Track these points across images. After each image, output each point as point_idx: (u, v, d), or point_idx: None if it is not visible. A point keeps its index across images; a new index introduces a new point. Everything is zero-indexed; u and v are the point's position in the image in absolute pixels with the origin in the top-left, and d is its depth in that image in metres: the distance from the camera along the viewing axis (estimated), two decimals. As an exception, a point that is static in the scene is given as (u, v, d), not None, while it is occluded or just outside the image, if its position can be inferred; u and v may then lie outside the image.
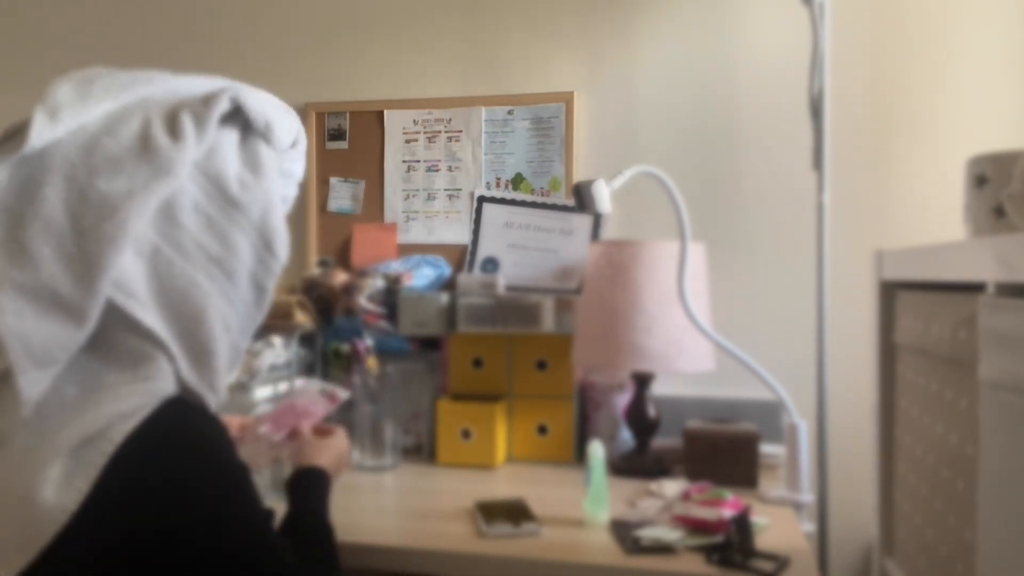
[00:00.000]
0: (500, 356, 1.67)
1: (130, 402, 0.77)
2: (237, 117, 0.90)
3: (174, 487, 0.77)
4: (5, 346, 0.72)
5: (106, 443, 0.74)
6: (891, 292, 1.29)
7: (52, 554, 0.71)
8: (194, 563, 0.78)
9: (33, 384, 0.73)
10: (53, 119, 0.78)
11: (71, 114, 0.79)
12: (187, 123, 0.84)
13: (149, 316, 0.80)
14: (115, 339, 0.79)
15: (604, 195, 1.37)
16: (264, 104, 0.92)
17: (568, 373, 1.64)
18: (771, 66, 1.74)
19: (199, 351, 0.84)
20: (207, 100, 0.86)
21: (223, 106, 0.87)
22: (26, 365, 0.73)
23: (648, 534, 1.14)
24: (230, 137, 0.89)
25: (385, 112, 1.93)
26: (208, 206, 0.86)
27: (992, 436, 0.82)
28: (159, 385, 0.80)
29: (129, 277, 0.80)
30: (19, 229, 0.75)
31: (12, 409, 0.75)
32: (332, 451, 1.13)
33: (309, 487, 1.04)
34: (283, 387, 1.62)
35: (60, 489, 0.72)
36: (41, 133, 0.77)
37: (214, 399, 0.87)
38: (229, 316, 0.88)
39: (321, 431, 1.19)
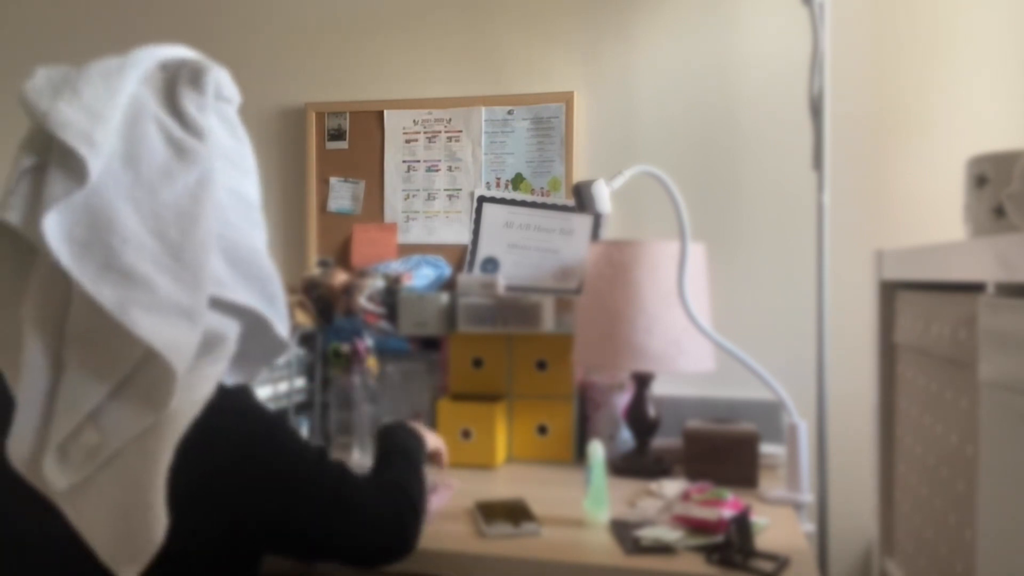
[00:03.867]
0: (500, 356, 1.67)
1: (212, 383, 0.82)
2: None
3: (244, 468, 0.84)
4: (164, 358, 0.77)
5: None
6: (891, 292, 1.29)
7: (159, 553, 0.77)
8: (282, 530, 0.87)
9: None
10: (94, 148, 0.80)
11: (103, 135, 0.81)
12: (196, 115, 0.87)
13: (241, 295, 0.87)
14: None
15: (604, 195, 1.37)
16: (217, 68, 0.95)
17: (568, 373, 1.64)
18: (771, 66, 1.74)
19: (279, 304, 0.92)
20: (195, 82, 0.89)
21: (213, 86, 0.90)
22: (182, 368, 0.78)
23: (648, 534, 1.14)
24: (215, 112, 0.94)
25: (385, 112, 1.93)
26: (231, 181, 0.91)
27: (992, 436, 0.82)
28: (221, 367, 0.85)
29: (214, 269, 0.85)
30: (114, 258, 0.78)
31: (131, 420, 0.79)
32: (418, 428, 1.28)
33: (393, 431, 1.21)
34: (283, 387, 1.62)
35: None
36: (96, 165, 0.80)
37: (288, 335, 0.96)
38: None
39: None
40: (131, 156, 0.83)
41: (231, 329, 0.86)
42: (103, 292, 0.77)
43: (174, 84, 0.89)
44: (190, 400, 0.80)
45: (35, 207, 0.79)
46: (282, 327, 0.92)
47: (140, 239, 0.80)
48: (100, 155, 0.80)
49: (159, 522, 0.76)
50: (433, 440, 1.34)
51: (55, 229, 0.78)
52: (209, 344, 0.83)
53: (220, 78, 0.92)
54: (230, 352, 0.86)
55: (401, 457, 1.14)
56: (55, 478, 0.77)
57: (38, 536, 0.81)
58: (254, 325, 0.92)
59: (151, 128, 0.85)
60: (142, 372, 0.80)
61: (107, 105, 0.83)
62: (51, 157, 0.81)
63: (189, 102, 0.87)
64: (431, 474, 1.49)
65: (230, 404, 0.85)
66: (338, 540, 0.93)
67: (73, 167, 0.79)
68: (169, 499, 0.77)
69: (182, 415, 0.79)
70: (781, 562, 1.06)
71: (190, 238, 0.82)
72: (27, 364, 0.79)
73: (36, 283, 0.82)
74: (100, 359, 0.79)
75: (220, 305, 0.85)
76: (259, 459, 0.85)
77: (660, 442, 1.63)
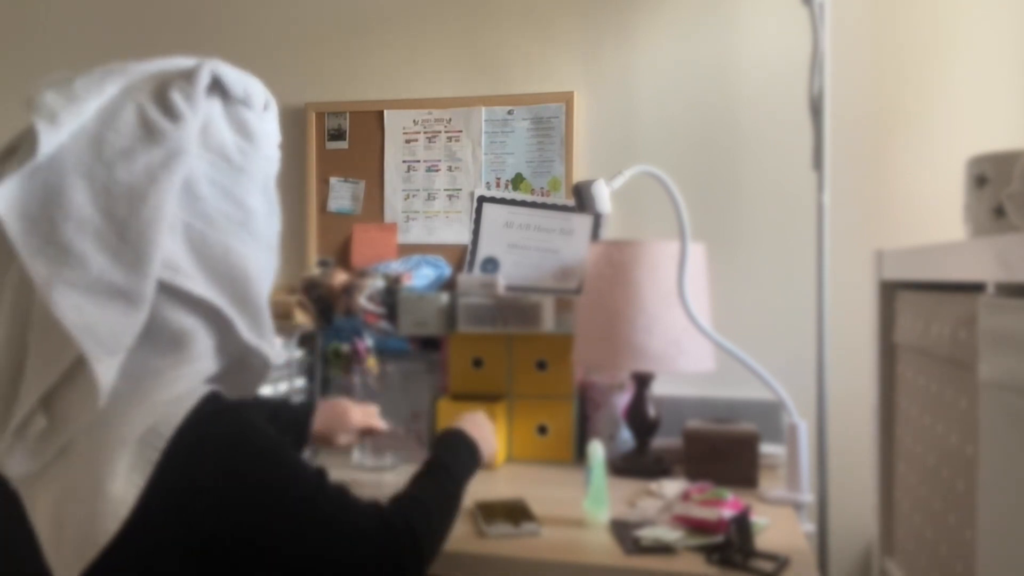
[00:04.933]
0: (500, 356, 1.67)
1: (178, 387, 0.80)
2: (216, 89, 0.92)
3: (226, 481, 0.79)
4: (75, 339, 0.74)
5: (157, 438, 0.77)
6: (891, 292, 1.29)
7: (115, 548, 0.74)
8: (262, 548, 0.82)
9: (108, 371, 0.75)
10: (54, 124, 0.79)
11: (69, 115, 0.80)
12: (180, 102, 0.85)
13: (200, 287, 0.83)
14: (160, 324, 0.81)
15: (604, 195, 1.37)
16: (238, 73, 0.95)
17: (568, 373, 1.64)
18: (771, 66, 1.74)
19: (252, 309, 0.88)
20: (189, 76, 0.88)
21: (205, 79, 0.88)
22: (98, 352, 0.74)
23: (648, 534, 1.14)
24: (216, 109, 0.92)
25: (385, 112, 1.93)
26: (219, 177, 0.89)
27: (992, 436, 0.82)
28: (200, 366, 0.83)
29: (172, 255, 0.82)
30: (53, 232, 0.77)
31: (80, 409, 0.77)
32: (482, 427, 1.26)
33: (442, 441, 1.17)
34: (283, 387, 1.62)
35: (124, 482, 0.74)
36: (49, 139, 0.79)
37: (274, 354, 0.91)
38: (264, 274, 0.93)
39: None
40: (99, 135, 0.82)
41: (198, 330, 0.83)
42: (36, 267, 0.75)
43: (171, 77, 0.88)
44: (151, 400, 0.77)
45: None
46: (251, 334, 0.87)
47: (85, 215, 0.78)
48: (59, 131, 0.79)
49: (107, 521, 0.73)
50: (490, 446, 1.28)
51: (11, 204, 0.76)
52: (174, 343, 0.81)
53: (230, 78, 0.91)
54: (200, 356, 0.83)
55: (439, 472, 1.08)
56: (12, 464, 0.76)
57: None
58: (242, 360, 0.89)
59: (129, 110, 0.84)
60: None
61: (91, 91, 0.83)
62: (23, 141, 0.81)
63: (177, 90, 0.86)
64: None
65: (223, 416, 0.82)
66: (329, 568, 0.85)
67: (35, 144, 0.79)
68: (146, 508, 0.74)
69: (141, 413, 0.77)
70: (781, 562, 1.06)
71: (136, 215, 0.79)
72: None
73: (18, 266, 0.81)
74: (52, 342, 0.77)
75: (185, 300, 0.82)
76: (245, 474, 0.80)
77: (660, 442, 1.63)
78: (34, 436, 0.77)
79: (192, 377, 0.82)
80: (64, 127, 0.80)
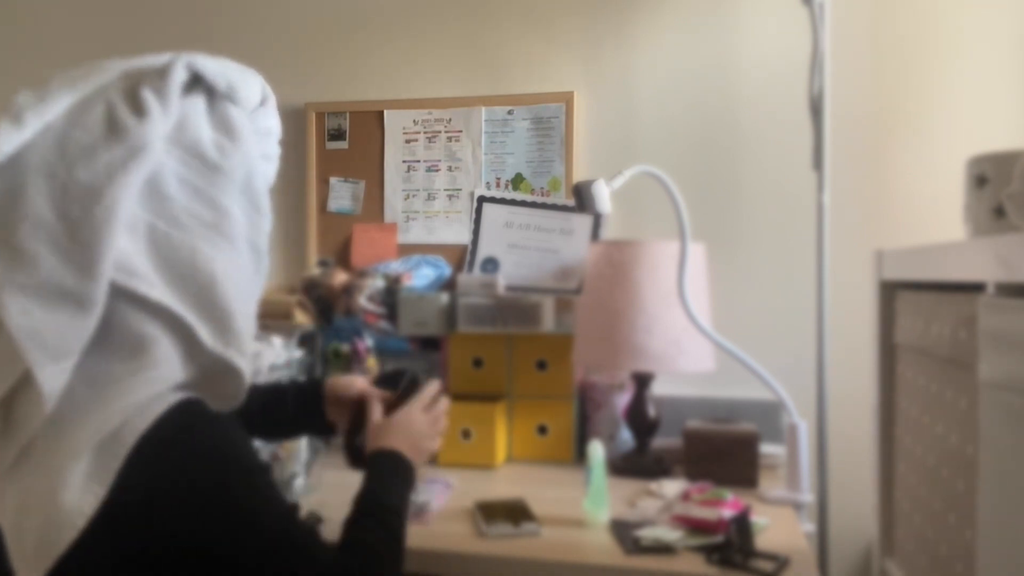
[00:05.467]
0: (500, 356, 1.67)
1: (139, 394, 0.77)
2: (200, 85, 0.89)
3: (189, 493, 0.77)
4: (18, 345, 0.72)
5: (119, 446, 0.75)
6: (891, 292, 1.29)
7: (71, 559, 0.72)
8: (218, 569, 0.78)
9: (53, 378, 0.74)
10: (18, 123, 0.77)
11: (34, 114, 0.78)
12: (149, 98, 0.82)
13: (156, 291, 0.80)
14: (119, 328, 0.79)
15: (604, 195, 1.37)
16: (223, 67, 0.91)
17: (568, 373, 1.64)
18: (771, 66, 1.74)
19: (218, 315, 0.83)
20: (162, 72, 0.85)
21: (180, 75, 0.85)
22: (42, 360, 0.73)
23: (648, 534, 1.14)
24: (197, 105, 0.88)
25: (385, 112, 1.93)
26: (191, 176, 0.85)
27: (992, 436, 0.82)
28: (164, 372, 0.79)
29: (128, 258, 0.79)
30: (10, 234, 0.75)
31: (35, 413, 0.76)
32: (403, 433, 1.09)
33: (374, 469, 1.03)
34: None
35: (80, 492, 0.72)
36: (9, 138, 0.76)
37: (245, 363, 0.86)
38: (238, 278, 0.87)
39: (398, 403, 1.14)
40: (66, 134, 0.79)
41: (159, 336, 0.80)
42: None
43: (145, 74, 0.85)
44: (110, 407, 0.75)
45: None
46: (216, 342, 0.83)
47: (40, 216, 0.75)
48: (22, 131, 0.77)
49: (62, 532, 0.71)
50: (422, 450, 1.12)
51: None
52: (133, 348, 0.78)
53: (210, 71, 0.87)
54: (162, 362, 0.79)
55: (384, 514, 0.97)
56: None
57: None
58: (216, 369, 0.85)
59: (98, 107, 0.81)
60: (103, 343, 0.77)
61: (63, 90, 0.81)
62: None
63: (148, 87, 0.83)
64: (430, 473, 1.49)
65: (196, 426, 0.80)
66: None
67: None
68: (107, 517, 0.73)
69: (98, 420, 0.74)
70: (781, 562, 1.06)
71: (89, 215, 0.76)
72: None
73: None
74: (7, 345, 0.75)
75: (143, 305, 0.79)
76: (210, 489, 0.78)
77: (660, 442, 1.63)
78: None
79: (154, 383, 0.78)
80: (28, 127, 0.77)
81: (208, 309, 0.83)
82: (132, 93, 0.83)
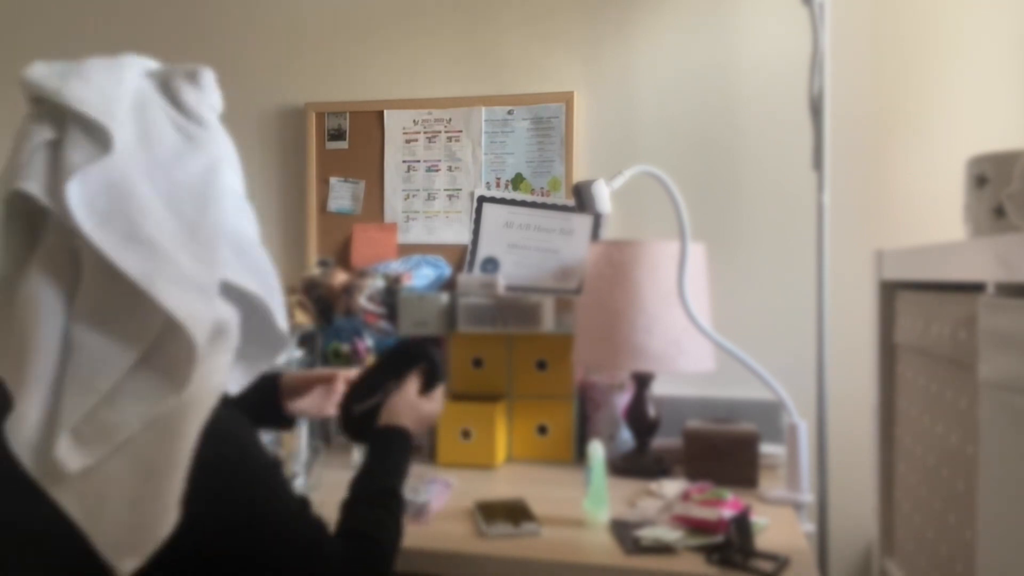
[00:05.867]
0: (500, 356, 1.67)
1: (215, 379, 0.82)
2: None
3: (210, 478, 0.79)
4: (189, 332, 0.77)
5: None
6: (891, 292, 1.29)
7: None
8: (228, 557, 0.81)
9: (206, 365, 0.80)
10: (115, 120, 0.81)
11: (119, 110, 0.82)
12: (196, 107, 0.88)
13: (246, 281, 0.86)
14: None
15: (604, 195, 1.37)
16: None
17: (568, 373, 1.64)
18: (771, 66, 1.74)
19: (277, 297, 0.91)
20: (193, 77, 0.90)
21: (208, 85, 0.91)
22: (204, 345, 0.78)
23: (648, 534, 1.14)
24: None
25: (385, 112, 1.93)
26: (231, 177, 0.92)
27: (992, 436, 0.82)
28: (228, 359, 0.84)
29: (223, 253, 0.85)
30: (135, 230, 0.78)
31: (139, 403, 0.78)
32: (414, 411, 1.14)
33: (377, 447, 1.07)
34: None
35: (178, 485, 0.77)
36: (120, 135, 0.81)
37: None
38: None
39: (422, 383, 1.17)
40: (144, 137, 0.83)
41: (233, 319, 0.85)
42: (128, 262, 0.77)
43: (171, 80, 0.89)
44: (206, 388, 0.79)
45: (53, 179, 0.79)
46: (281, 320, 0.91)
47: (159, 214, 0.80)
48: (120, 127, 0.81)
49: (168, 515, 0.74)
50: (421, 421, 1.15)
51: (77, 198, 0.77)
52: (216, 332, 0.82)
53: (213, 80, 0.93)
54: (235, 343, 0.84)
55: (387, 498, 1.01)
56: (68, 459, 0.74)
57: (25, 528, 0.79)
58: (250, 322, 0.90)
59: (159, 115, 0.86)
60: (160, 350, 0.79)
61: (116, 89, 0.84)
62: (66, 132, 0.81)
63: (188, 95, 0.88)
64: (430, 473, 1.49)
65: (219, 434, 0.82)
66: None
67: (95, 138, 0.80)
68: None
69: (199, 403, 0.78)
70: (781, 562, 1.06)
71: (204, 218, 0.82)
72: (33, 344, 0.77)
73: (42, 260, 0.81)
74: (115, 336, 0.77)
75: (225, 292, 0.84)
76: (226, 474, 0.81)
77: (660, 442, 1.63)
78: (98, 431, 0.76)
79: (227, 369, 0.83)
80: (122, 122, 0.82)
81: (272, 293, 0.90)
82: (176, 101, 0.88)
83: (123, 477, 0.75)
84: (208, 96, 0.90)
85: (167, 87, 0.88)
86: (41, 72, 0.83)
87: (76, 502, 0.75)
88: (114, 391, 0.77)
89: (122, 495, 0.75)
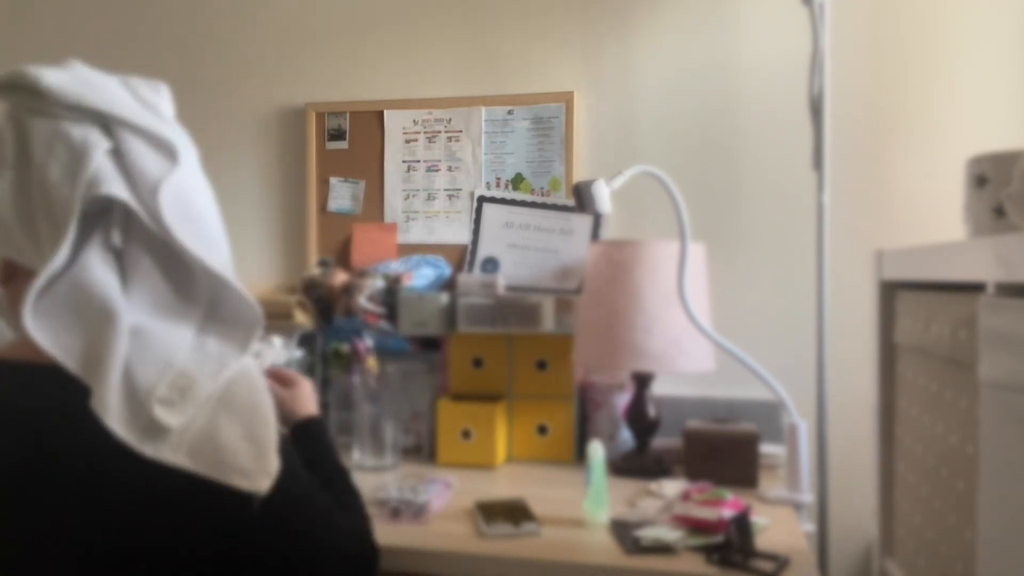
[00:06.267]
0: (500, 356, 1.67)
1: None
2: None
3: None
4: (256, 309, 0.90)
5: None
6: (891, 292, 1.29)
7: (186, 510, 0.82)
8: (247, 525, 0.85)
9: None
10: (176, 128, 0.95)
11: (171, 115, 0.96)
12: (167, 114, 0.96)
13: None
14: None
15: (604, 195, 1.37)
16: None
17: (568, 373, 1.64)
18: (771, 66, 1.74)
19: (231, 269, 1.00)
20: (156, 88, 0.97)
21: (166, 92, 1.00)
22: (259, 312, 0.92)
23: (648, 534, 1.14)
24: None
25: (385, 112, 1.93)
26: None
27: (992, 436, 0.82)
28: None
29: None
30: (205, 230, 0.90)
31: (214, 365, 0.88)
32: (310, 397, 1.19)
33: (314, 436, 1.11)
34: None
35: None
36: (187, 145, 0.94)
37: None
38: None
39: (283, 379, 1.20)
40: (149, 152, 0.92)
41: None
42: (212, 260, 0.87)
43: (137, 90, 0.95)
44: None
45: (131, 185, 0.85)
46: (248, 295, 0.96)
47: (208, 215, 0.91)
48: (183, 135, 0.93)
49: (276, 447, 0.84)
50: (311, 397, 1.20)
51: (167, 205, 0.86)
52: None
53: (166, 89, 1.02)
54: None
55: (341, 472, 1.07)
56: (167, 418, 0.79)
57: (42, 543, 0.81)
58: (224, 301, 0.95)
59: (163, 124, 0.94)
60: (215, 319, 0.89)
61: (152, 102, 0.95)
62: (120, 142, 0.87)
63: (159, 104, 0.96)
64: (430, 473, 1.49)
65: None
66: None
67: (161, 149, 0.89)
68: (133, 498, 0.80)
69: (253, 366, 0.89)
70: (781, 562, 1.06)
71: (215, 211, 0.94)
72: (107, 331, 0.81)
73: (98, 254, 0.84)
74: (176, 320, 0.86)
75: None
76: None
77: (660, 442, 1.63)
78: (178, 392, 0.82)
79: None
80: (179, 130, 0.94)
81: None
82: (154, 110, 0.95)
83: (229, 418, 0.82)
84: (164, 100, 0.98)
85: (141, 99, 0.95)
86: (59, 80, 0.86)
87: (188, 457, 0.80)
88: (185, 361, 0.84)
89: (234, 433, 0.82)
